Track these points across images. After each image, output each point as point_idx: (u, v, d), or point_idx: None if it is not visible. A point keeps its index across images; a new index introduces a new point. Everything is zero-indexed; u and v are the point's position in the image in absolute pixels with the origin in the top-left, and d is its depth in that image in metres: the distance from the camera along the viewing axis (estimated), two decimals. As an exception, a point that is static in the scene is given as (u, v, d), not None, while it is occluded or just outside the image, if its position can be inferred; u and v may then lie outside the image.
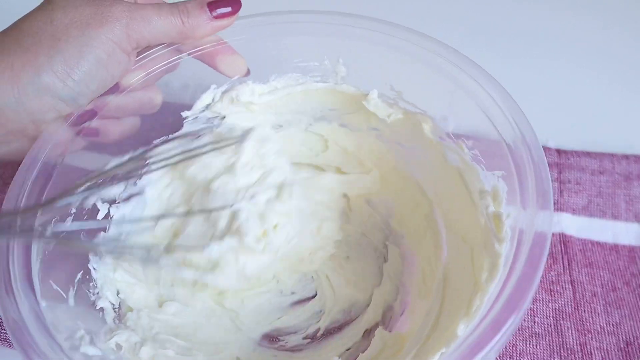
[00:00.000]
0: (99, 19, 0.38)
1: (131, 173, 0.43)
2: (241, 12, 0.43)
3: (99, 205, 0.43)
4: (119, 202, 0.44)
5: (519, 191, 0.35)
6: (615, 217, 0.49)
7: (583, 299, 0.45)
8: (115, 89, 0.41)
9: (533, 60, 0.63)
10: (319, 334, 0.44)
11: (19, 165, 0.37)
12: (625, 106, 0.59)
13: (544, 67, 0.62)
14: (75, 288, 0.38)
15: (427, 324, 0.39)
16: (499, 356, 0.42)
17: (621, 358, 0.42)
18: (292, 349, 0.43)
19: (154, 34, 0.40)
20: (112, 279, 0.42)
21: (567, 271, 0.46)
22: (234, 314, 0.44)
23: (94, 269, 0.41)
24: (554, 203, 0.38)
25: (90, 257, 0.41)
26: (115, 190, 0.44)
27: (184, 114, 0.46)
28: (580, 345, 0.43)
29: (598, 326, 0.44)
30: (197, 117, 0.46)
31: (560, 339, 0.43)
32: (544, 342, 0.43)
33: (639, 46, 0.64)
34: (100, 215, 0.43)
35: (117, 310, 0.41)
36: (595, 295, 0.45)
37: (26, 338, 0.31)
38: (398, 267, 0.46)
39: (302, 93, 0.48)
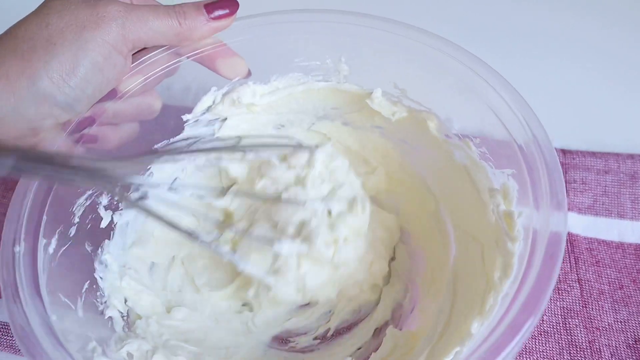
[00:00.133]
0: (94, 20, 0.38)
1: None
2: (240, 13, 0.43)
3: (102, 213, 0.43)
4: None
5: (531, 191, 0.36)
6: (620, 215, 0.51)
7: (590, 297, 0.46)
8: (113, 94, 0.41)
9: (536, 61, 0.64)
10: (329, 335, 0.45)
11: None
12: (630, 106, 0.60)
13: (548, 68, 0.64)
14: (83, 298, 0.39)
15: (439, 322, 0.40)
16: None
17: (630, 355, 0.43)
18: (303, 350, 0.44)
19: (151, 35, 0.40)
20: (119, 287, 0.42)
21: (574, 269, 0.48)
22: (251, 315, 0.45)
23: (101, 278, 0.42)
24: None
25: (96, 266, 0.42)
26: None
27: (185, 117, 0.46)
28: (589, 342, 0.44)
29: (606, 324, 0.45)
30: (197, 120, 0.47)
31: (569, 337, 0.44)
32: (552, 340, 0.44)
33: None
34: (103, 224, 0.43)
35: (125, 318, 0.42)
36: (602, 293, 0.47)
37: (35, 346, 0.31)
38: (406, 265, 0.47)
39: (303, 93, 0.48)
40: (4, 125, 0.37)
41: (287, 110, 0.50)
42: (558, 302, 0.46)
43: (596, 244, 0.49)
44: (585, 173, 0.53)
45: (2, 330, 0.46)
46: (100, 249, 0.43)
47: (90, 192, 0.42)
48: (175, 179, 0.49)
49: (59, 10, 0.38)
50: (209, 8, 0.41)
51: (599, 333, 0.45)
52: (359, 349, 0.43)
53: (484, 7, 0.69)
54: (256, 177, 0.47)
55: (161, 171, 0.48)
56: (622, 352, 0.44)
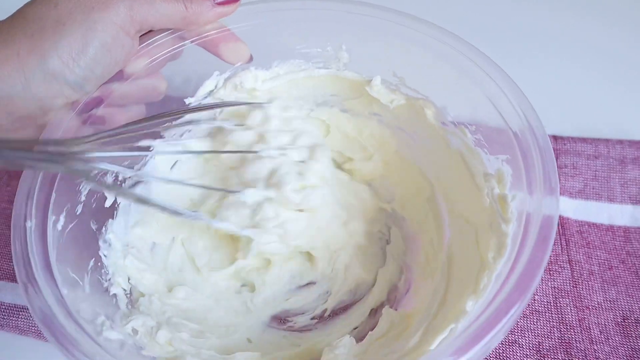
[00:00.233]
0: (102, 2, 0.39)
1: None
2: (244, -1, 0.46)
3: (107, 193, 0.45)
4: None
5: (525, 177, 0.38)
6: (610, 199, 0.54)
7: (581, 277, 0.49)
8: (120, 76, 0.43)
9: (527, 53, 0.67)
10: (326, 315, 0.47)
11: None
12: (618, 93, 0.63)
13: (539, 59, 0.67)
14: (89, 275, 0.41)
15: (434, 302, 0.42)
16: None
17: (618, 332, 0.46)
18: (301, 330, 0.46)
19: (158, 18, 0.42)
20: (122, 265, 0.44)
21: (565, 251, 0.50)
22: (250, 296, 0.47)
23: (105, 256, 0.43)
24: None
25: (101, 244, 0.44)
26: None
27: (187, 100, 0.48)
28: (579, 320, 0.47)
29: (596, 302, 0.48)
30: (199, 104, 0.49)
31: (560, 316, 0.47)
32: (543, 319, 0.47)
33: (630, 36, 0.69)
34: (107, 203, 0.45)
35: (128, 296, 0.44)
36: (592, 274, 0.49)
37: (56, 326, 0.33)
38: (401, 249, 0.49)
39: (304, 79, 0.50)
40: (14, 104, 0.39)
41: (287, 96, 0.52)
42: (549, 282, 0.49)
43: (586, 226, 0.52)
44: (575, 158, 0.55)
45: (7, 311, 0.47)
46: (104, 228, 0.44)
47: (95, 171, 0.43)
48: (176, 162, 0.51)
49: None
50: None
51: (588, 312, 0.47)
52: (355, 328, 0.46)
53: (481, 6, 0.72)
54: (219, 146, 0.49)
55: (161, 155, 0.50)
56: (611, 330, 0.46)
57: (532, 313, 0.47)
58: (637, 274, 0.49)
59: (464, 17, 0.67)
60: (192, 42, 0.46)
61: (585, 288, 0.48)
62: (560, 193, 0.54)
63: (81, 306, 0.36)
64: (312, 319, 0.47)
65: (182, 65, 0.48)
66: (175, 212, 0.42)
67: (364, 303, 0.47)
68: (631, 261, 0.50)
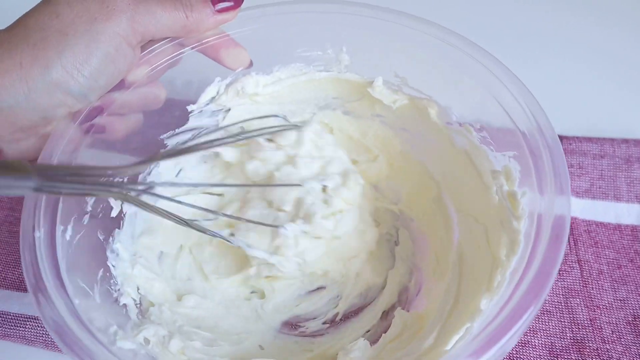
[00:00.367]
0: (105, 13, 0.40)
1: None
2: (242, 4, 0.47)
3: (112, 202, 0.46)
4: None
5: (535, 177, 0.39)
6: (617, 198, 0.55)
7: (590, 276, 0.50)
8: (121, 85, 0.43)
9: (532, 53, 0.69)
10: (337, 319, 0.48)
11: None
12: (623, 93, 0.65)
13: (543, 59, 0.68)
14: (98, 285, 0.41)
15: (447, 302, 0.43)
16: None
17: (630, 331, 0.47)
18: (313, 335, 0.47)
19: (159, 28, 0.42)
20: (130, 275, 0.45)
21: (574, 251, 0.52)
22: (260, 302, 0.48)
23: (113, 266, 0.44)
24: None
25: (108, 254, 0.44)
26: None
27: (189, 107, 0.49)
28: (590, 320, 0.48)
29: (606, 302, 0.49)
30: (202, 111, 0.50)
31: (571, 315, 0.48)
32: (555, 319, 0.48)
33: (635, 36, 0.71)
34: (114, 213, 0.46)
35: (139, 306, 0.45)
36: (601, 273, 0.51)
37: (70, 337, 0.34)
38: (410, 250, 0.51)
39: (305, 83, 0.52)
40: (16, 114, 0.39)
41: (290, 101, 0.53)
42: (559, 283, 0.50)
43: (594, 226, 0.53)
44: (582, 158, 0.57)
45: (14, 321, 0.48)
46: (111, 238, 0.45)
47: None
48: (180, 170, 0.52)
49: (68, 1, 0.40)
50: (214, 0, 0.44)
51: (599, 311, 0.49)
52: (367, 331, 0.47)
53: (486, 7, 0.74)
54: (246, 160, 0.50)
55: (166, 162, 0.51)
56: (622, 329, 0.48)
57: (544, 313, 0.48)
58: (646, 272, 0.51)
59: (468, 18, 0.69)
60: (192, 48, 0.47)
61: (596, 287, 0.50)
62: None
63: (93, 315, 0.37)
64: (324, 323, 0.48)
65: (183, 69, 0.49)
66: (211, 234, 0.45)
67: (375, 306, 0.48)
68: (639, 260, 0.51)
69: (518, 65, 0.46)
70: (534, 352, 0.46)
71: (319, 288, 0.50)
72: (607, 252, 0.52)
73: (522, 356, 0.46)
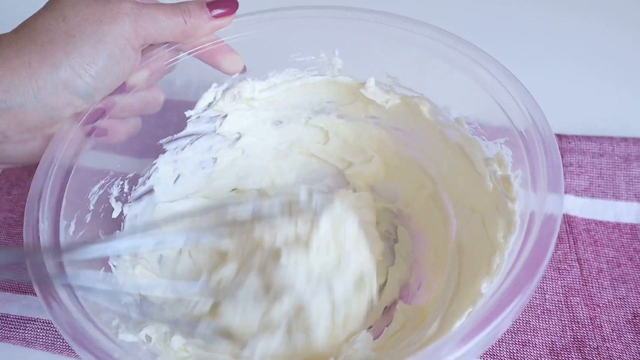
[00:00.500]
0: (110, 16, 0.42)
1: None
2: (237, 12, 0.49)
3: (113, 204, 0.48)
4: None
5: (530, 175, 0.40)
6: (616, 197, 0.56)
7: (590, 275, 0.51)
8: (122, 88, 0.46)
9: (530, 52, 0.70)
10: None
11: (25, 167, 0.42)
12: (622, 92, 0.66)
13: (541, 58, 0.70)
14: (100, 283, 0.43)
15: (448, 290, 0.44)
16: (514, 333, 0.48)
17: (630, 329, 0.48)
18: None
19: (159, 32, 0.45)
20: (132, 274, 0.46)
21: (573, 250, 0.53)
22: None
23: (114, 266, 0.45)
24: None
25: (109, 255, 0.46)
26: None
27: (187, 113, 0.51)
28: (590, 319, 0.49)
29: (606, 300, 0.50)
30: (199, 117, 0.52)
31: (571, 314, 0.49)
32: (555, 318, 0.49)
33: (633, 35, 0.73)
34: (114, 214, 0.48)
35: (139, 305, 0.46)
36: (601, 272, 0.52)
37: (86, 338, 0.34)
38: (409, 246, 0.52)
39: (300, 87, 0.53)
40: (25, 114, 0.41)
41: (285, 106, 0.55)
42: (559, 281, 0.51)
43: (593, 224, 0.55)
44: (580, 156, 0.58)
45: (14, 323, 0.49)
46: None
47: (102, 181, 0.46)
48: (179, 175, 0.54)
49: (72, 5, 0.43)
50: (211, 6, 0.46)
51: (599, 310, 0.50)
52: (370, 327, 0.47)
53: (483, 7, 0.76)
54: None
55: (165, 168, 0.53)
56: (622, 327, 0.48)
57: (544, 312, 0.49)
58: (646, 271, 0.51)
59: (465, 18, 0.71)
60: (189, 54, 0.49)
61: (595, 286, 0.51)
62: (566, 191, 0.56)
63: (95, 311, 0.38)
64: None
65: (182, 72, 0.51)
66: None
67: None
68: (639, 258, 0.52)
69: (517, 65, 0.48)
70: (535, 351, 0.47)
71: None
72: (606, 251, 0.53)
73: (523, 355, 0.47)
